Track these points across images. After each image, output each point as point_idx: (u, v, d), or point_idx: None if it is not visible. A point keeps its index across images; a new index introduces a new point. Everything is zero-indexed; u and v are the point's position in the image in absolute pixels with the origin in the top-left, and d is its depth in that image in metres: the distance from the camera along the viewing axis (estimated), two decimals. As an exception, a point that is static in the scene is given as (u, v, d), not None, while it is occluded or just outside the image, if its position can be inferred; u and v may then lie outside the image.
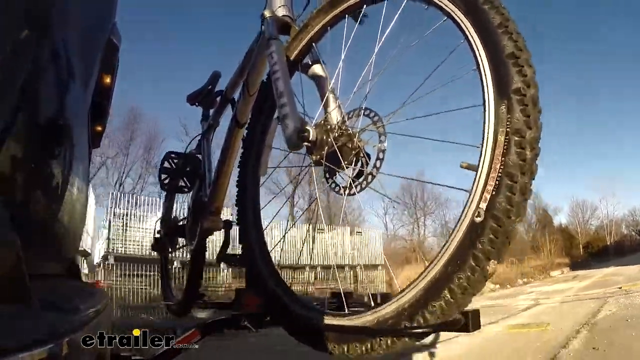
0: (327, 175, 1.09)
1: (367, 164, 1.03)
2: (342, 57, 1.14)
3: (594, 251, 32.02)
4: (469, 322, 0.81)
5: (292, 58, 1.30)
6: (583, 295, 7.76)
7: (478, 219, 0.77)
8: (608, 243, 32.97)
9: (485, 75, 0.82)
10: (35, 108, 0.64)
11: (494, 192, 0.76)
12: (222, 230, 1.73)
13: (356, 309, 1.04)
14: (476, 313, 0.83)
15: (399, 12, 1.04)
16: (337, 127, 1.06)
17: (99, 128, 1.18)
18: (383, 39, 1.05)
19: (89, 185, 1.13)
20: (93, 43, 0.91)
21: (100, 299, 0.77)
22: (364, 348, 0.90)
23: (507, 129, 0.76)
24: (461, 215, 0.81)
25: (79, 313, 0.60)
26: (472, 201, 0.79)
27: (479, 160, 0.80)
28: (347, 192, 1.04)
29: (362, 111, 1.04)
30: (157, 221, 2.42)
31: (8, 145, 0.56)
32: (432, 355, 3.60)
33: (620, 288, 7.50)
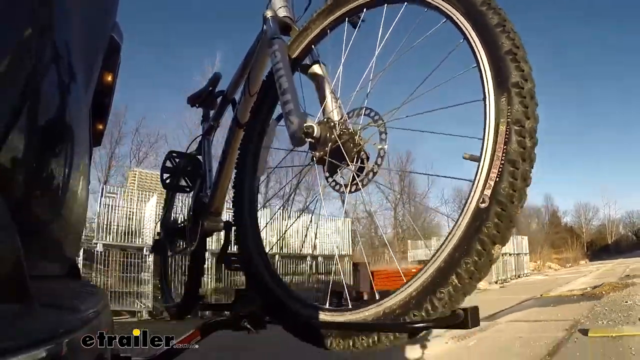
0: (328, 174, 1.10)
1: (368, 159, 1.05)
2: (343, 59, 1.16)
3: (597, 249, 34.19)
4: (469, 319, 0.82)
5: (292, 59, 1.31)
6: (617, 266, 16.34)
7: (483, 205, 0.79)
8: (609, 242, 35.22)
9: (485, 71, 0.86)
10: (36, 107, 0.64)
11: (497, 179, 0.79)
12: (223, 231, 1.73)
13: (359, 302, 1.04)
14: (475, 310, 0.84)
15: (399, 14, 1.07)
16: (339, 124, 1.08)
17: (100, 126, 1.17)
18: (384, 41, 1.07)
19: (89, 184, 1.12)
20: (95, 41, 0.91)
21: (100, 299, 0.76)
22: (370, 341, 0.90)
23: (508, 120, 0.80)
24: (466, 203, 0.83)
25: (79, 313, 0.59)
26: (476, 189, 0.81)
27: (482, 150, 0.83)
28: (349, 189, 1.05)
29: (363, 110, 1.06)
30: (157, 222, 2.42)
31: (9, 144, 0.55)
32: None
33: (632, 264, 16.18)
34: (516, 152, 0.78)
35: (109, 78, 1.09)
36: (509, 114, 0.80)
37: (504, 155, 0.79)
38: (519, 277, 18.28)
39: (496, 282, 15.05)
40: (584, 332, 4.06)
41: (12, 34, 0.55)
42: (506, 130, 0.80)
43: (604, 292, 7.22)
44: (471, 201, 0.82)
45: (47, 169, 0.70)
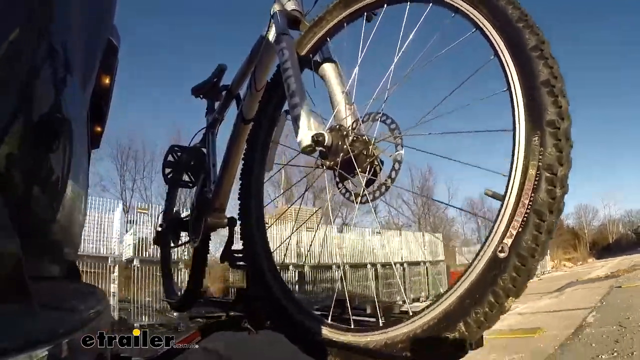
0: (338, 180, 1.03)
1: (381, 170, 0.98)
2: (360, 58, 1.07)
3: (599, 249, 35.59)
4: (473, 346, 0.78)
5: (302, 54, 1.24)
6: (622, 261, 18.28)
7: (502, 255, 0.73)
8: (610, 241, 36.38)
9: (516, 100, 0.77)
10: (34, 108, 0.64)
11: (520, 229, 0.72)
12: (227, 227, 1.66)
13: (362, 319, 1.00)
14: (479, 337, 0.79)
15: (424, 16, 0.97)
16: (352, 132, 1.01)
17: (99, 129, 1.17)
18: (406, 43, 0.98)
19: (88, 186, 1.13)
20: (92, 44, 0.91)
21: (100, 300, 0.77)
22: None
23: (539, 164, 0.72)
24: (483, 248, 0.76)
25: (79, 313, 0.60)
26: (495, 234, 0.75)
27: (506, 192, 0.75)
28: (359, 200, 0.98)
29: (380, 117, 0.98)
30: (159, 214, 2.40)
31: (7, 145, 0.56)
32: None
33: (635, 259, 17.29)
34: (544, 202, 0.70)
35: (107, 80, 1.10)
36: (540, 156, 0.72)
37: (530, 203, 0.71)
38: (543, 273, 20.48)
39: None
40: (619, 286, 7.62)
41: (10, 36, 0.55)
42: (536, 176, 0.72)
43: (620, 274, 10.82)
44: (489, 246, 0.75)
45: (46, 171, 0.70)
